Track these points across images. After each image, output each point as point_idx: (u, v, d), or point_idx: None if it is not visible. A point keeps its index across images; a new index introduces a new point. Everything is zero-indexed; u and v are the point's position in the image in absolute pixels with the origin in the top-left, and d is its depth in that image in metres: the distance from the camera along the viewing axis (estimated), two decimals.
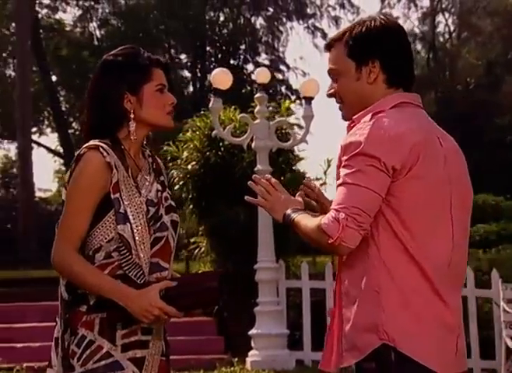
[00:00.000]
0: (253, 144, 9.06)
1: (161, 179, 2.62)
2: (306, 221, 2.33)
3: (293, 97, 23.12)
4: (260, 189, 2.51)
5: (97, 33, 25.95)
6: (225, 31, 27.92)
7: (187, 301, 2.43)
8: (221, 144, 9.52)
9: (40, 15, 25.10)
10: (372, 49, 2.38)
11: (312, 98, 9.12)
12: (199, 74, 26.21)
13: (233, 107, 9.93)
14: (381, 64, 2.37)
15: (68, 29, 26.03)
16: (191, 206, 9.71)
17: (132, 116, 2.53)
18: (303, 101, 9.26)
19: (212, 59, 27.39)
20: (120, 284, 2.40)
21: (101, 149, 2.45)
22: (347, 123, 2.43)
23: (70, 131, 24.57)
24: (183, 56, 27.82)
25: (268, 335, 8.84)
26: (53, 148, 25.68)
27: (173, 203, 2.60)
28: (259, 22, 28.72)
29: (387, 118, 2.27)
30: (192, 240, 10.10)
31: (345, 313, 2.31)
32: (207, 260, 9.91)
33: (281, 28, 28.94)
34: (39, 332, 8.69)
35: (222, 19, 27.95)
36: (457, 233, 2.34)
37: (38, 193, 25.73)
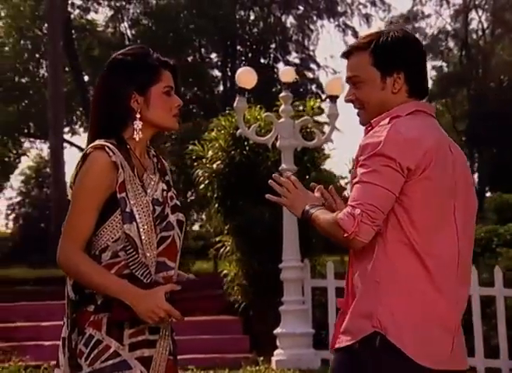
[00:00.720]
0: (277, 143, 9.07)
1: (166, 179, 2.63)
2: (324, 216, 2.47)
3: (324, 96, 23.07)
4: (280, 187, 2.62)
5: (128, 32, 26.14)
6: (255, 30, 27.92)
7: (190, 305, 2.46)
8: (246, 143, 9.54)
9: (72, 16, 25.33)
10: (398, 60, 2.53)
11: (337, 96, 9.10)
12: (229, 73, 26.24)
13: (258, 106, 9.96)
14: (405, 76, 2.53)
15: (99, 29, 26.23)
16: (216, 205, 9.75)
17: (138, 116, 2.54)
18: (328, 99, 9.24)
19: (242, 58, 27.41)
20: (128, 284, 2.41)
21: (107, 149, 2.45)
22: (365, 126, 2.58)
23: None
24: (213, 55, 27.91)
25: (293, 334, 8.84)
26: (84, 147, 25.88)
27: (178, 203, 2.61)
28: (289, 20, 28.71)
29: (404, 123, 2.44)
30: (218, 239, 10.13)
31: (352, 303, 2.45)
32: (232, 259, 9.94)
33: (311, 26, 28.88)
34: None
35: (252, 17, 27.96)
36: (462, 234, 2.47)
37: None
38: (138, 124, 2.54)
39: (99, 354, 2.41)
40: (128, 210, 2.44)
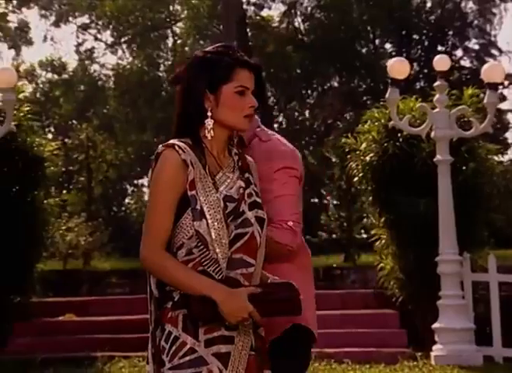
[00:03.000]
0: (432, 134, 8.91)
1: (245, 176, 2.61)
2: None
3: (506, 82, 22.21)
4: None
5: (301, 27, 26.38)
6: (432, 17, 27.30)
7: (269, 308, 2.45)
8: (399, 134, 9.42)
9: (248, 14, 25.95)
10: None
11: (497, 84, 8.79)
12: None
13: (414, 97, 9.81)
14: None
15: (273, 25, 26.68)
16: (370, 198, 9.72)
17: (210, 114, 2.54)
18: (487, 87, 8.93)
19: (418, 47, 26.90)
20: (212, 281, 2.45)
21: (177, 147, 2.50)
22: None
23: (275, 126, 25.21)
24: (388, 45, 27.58)
25: (453, 329, 8.66)
26: None
27: (258, 200, 2.59)
28: (469, 5, 27.78)
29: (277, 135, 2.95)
30: (373, 232, 10.08)
31: None
32: (387, 252, 9.86)
33: (494, 10, 27.79)
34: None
35: (429, 5, 27.37)
36: None
37: None
38: (209, 123, 2.55)
39: (176, 350, 2.45)
40: (197, 207, 2.47)
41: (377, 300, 10.29)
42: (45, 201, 10.26)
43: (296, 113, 26.80)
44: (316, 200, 26.39)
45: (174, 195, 2.49)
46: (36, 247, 10.01)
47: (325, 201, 23.80)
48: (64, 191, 19.83)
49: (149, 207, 2.55)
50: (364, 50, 26.46)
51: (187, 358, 2.43)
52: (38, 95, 25.80)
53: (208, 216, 2.47)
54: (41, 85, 26.78)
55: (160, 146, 2.56)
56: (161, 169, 2.51)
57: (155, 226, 2.51)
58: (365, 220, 13.60)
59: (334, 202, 13.89)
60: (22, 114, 9.76)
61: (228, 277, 2.47)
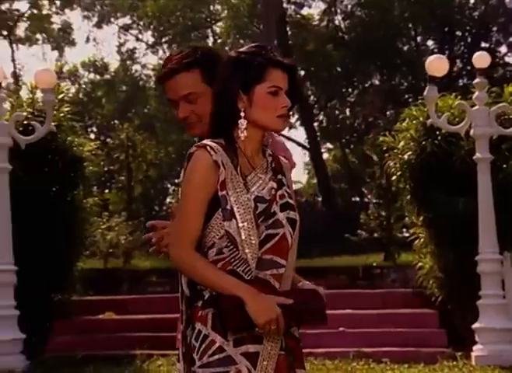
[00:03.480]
0: (471, 132, 8.82)
1: (278, 178, 2.60)
2: None
3: None
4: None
5: (342, 25, 26.30)
6: (475, 13, 27.00)
7: (296, 318, 2.47)
8: (438, 132, 9.35)
9: (288, 12, 25.96)
10: None
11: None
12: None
13: (453, 94, 9.72)
14: None
15: (314, 23, 26.65)
16: (408, 196, 9.65)
17: (243, 114, 2.55)
18: None
19: (461, 43, 26.63)
20: (241, 282, 2.46)
21: (208, 148, 2.52)
22: None
23: (315, 124, 25.17)
24: (429, 42, 27.36)
25: (493, 329, 8.57)
26: (302, 141, 26.51)
27: (290, 201, 2.57)
28: None
29: None
30: (411, 231, 10.01)
31: None
32: (426, 252, 9.79)
33: None
34: None
35: (472, 0, 27.07)
36: None
37: None
38: (242, 123, 2.55)
39: (206, 349, 2.47)
40: (228, 207, 2.48)
41: (417, 299, 10.21)
42: (84, 200, 10.38)
43: (337, 112, 26.71)
44: (357, 199, 26.32)
45: (205, 195, 2.51)
46: (76, 246, 10.14)
47: (366, 200, 23.70)
48: (107, 190, 20.08)
49: (180, 207, 2.58)
50: (405, 48, 26.27)
51: (216, 357, 2.44)
52: (81, 95, 26.14)
53: (238, 216, 2.48)
54: (84, 86, 27.12)
55: (193, 146, 2.58)
56: (192, 169, 2.54)
57: (186, 226, 2.53)
58: (406, 219, 13.49)
59: (374, 200, 13.79)
60: (62, 114, 9.89)
61: (257, 277, 2.48)
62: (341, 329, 9.51)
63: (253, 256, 2.48)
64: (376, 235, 15.09)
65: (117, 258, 14.16)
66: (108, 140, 20.74)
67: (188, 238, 2.52)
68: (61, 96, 9.92)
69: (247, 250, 2.48)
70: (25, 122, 9.25)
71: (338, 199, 25.83)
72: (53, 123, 9.07)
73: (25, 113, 9.27)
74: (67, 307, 10.08)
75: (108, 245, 13.65)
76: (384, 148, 9.84)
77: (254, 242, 2.48)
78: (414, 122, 9.61)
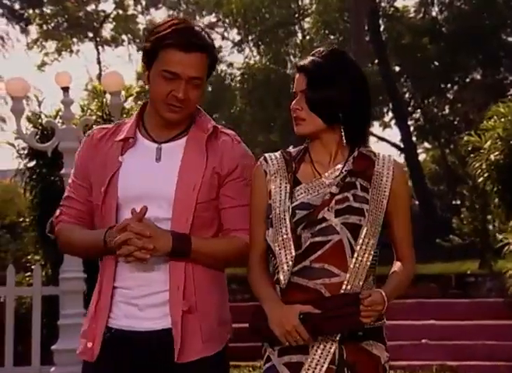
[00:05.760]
0: None
1: (347, 180, 2.60)
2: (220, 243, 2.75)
3: None
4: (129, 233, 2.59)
5: (439, 17, 25.84)
6: None
7: (326, 327, 2.47)
8: None
9: (381, 5, 25.73)
10: None
11: None
12: None
13: None
14: None
15: (409, 16, 26.32)
16: (496, 199, 9.43)
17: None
18: None
19: None
20: (272, 293, 2.56)
21: (262, 158, 2.70)
22: None
23: (410, 122, 24.79)
24: None
25: None
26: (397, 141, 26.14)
27: (355, 205, 2.55)
28: None
29: None
30: (501, 237, 9.76)
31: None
32: None
33: None
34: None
35: None
36: None
37: None
38: None
39: (263, 357, 2.63)
40: (270, 216, 2.59)
41: (509, 310, 9.96)
42: None
43: (435, 109, 26.27)
44: (458, 202, 25.79)
45: (262, 205, 2.65)
46: None
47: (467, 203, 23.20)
48: None
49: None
50: (510, 39, 25.61)
51: (266, 366, 2.59)
52: None
53: (274, 225, 2.57)
54: None
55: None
56: (251, 180, 2.71)
57: (251, 237, 2.69)
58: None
59: (467, 204, 13.51)
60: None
61: (300, 285, 2.53)
62: (423, 340, 9.40)
63: (288, 265, 2.53)
64: (470, 240, 14.76)
65: None
66: None
67: (253, 247, 2.67)
68: (131, 99, 10.13)
69: (283, 259, 2.55)
70: (94, 126, 9.49)
71: (437, 202, 25.39)
72: None
73: (94, 117, 9.51)
74: None
75: None
76: (470, 148, 9.65)
77: (288, 250, 2.53)
78: (502, 120, 9.39)
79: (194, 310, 2.65)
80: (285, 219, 2.55)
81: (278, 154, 2.69)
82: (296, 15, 26.23)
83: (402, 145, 23.93)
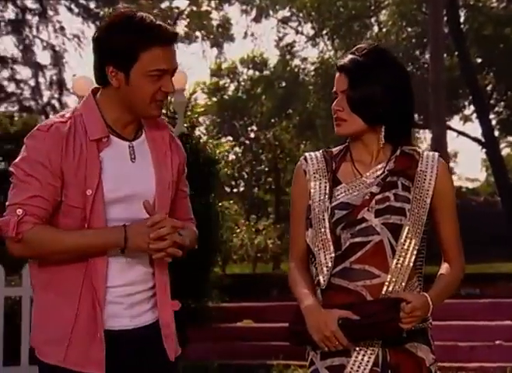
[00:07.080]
0: None
1: (388, 180, 2.60)
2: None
3: None
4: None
5: None
6: None
7: (364, 333, 2.48)
8: None
9: None
10: None
11: None
12: None
13: None
14: None
15: (491, 5, 25.78)
16: None
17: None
18: None
19: None
20: (309, 298, 2.54)
21: (302, 158, 2.73)
22: None
23: (492, 116, 24.28)
24: None
25: None
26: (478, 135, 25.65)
27: (396, 205, 2.55)
28: None
29: None
30: None
31: None
32: None
33: None
34: None
35: None
36: None
37: (465, 184, 25.80)
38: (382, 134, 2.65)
39: (307, 360, 2.65)
40: (310, 216, 2.61)
41: None
42: (220, 204, 10.65)
43: None
44: None
45: (303, 205, 2.66)
46: (212, 251, 10.40)
47: None
48: (256, 189, 20.38)
49: (290, 217, 2.77)
50: None
51: (311, 369, 2.60)
52: (240, 93, 26.74)
53: (313, 225, 2.59)
54: (243, 83, 27.72)
55: None
56: (292, 180, 2.76)
57: (291, 237, 2.72)
58: None
59: None
60: (196, 115, 10.24)
61: (342, 287, 2.53)
62: (497, 342, 9.22)
63: (328, 266, 2.54)
64: None
65: (267, 263, 14.39)
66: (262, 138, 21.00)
67: (294, 248, 2.69)
68: (194, 96, 10.29)
69: (322, 260, 2.56)
70: None
71: None
72: (185, 124, 9.41)
73: None
74: (203, 314, 10.34)
75: (256, 250, 13.89)
76: None
77: (328, 251, 2.54)
78: None
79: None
80: (324, 219, 2.56)
81: (319, 153, 2.70)
82: (372, 8, 26.02)
83: (483, 140, 23.47)
